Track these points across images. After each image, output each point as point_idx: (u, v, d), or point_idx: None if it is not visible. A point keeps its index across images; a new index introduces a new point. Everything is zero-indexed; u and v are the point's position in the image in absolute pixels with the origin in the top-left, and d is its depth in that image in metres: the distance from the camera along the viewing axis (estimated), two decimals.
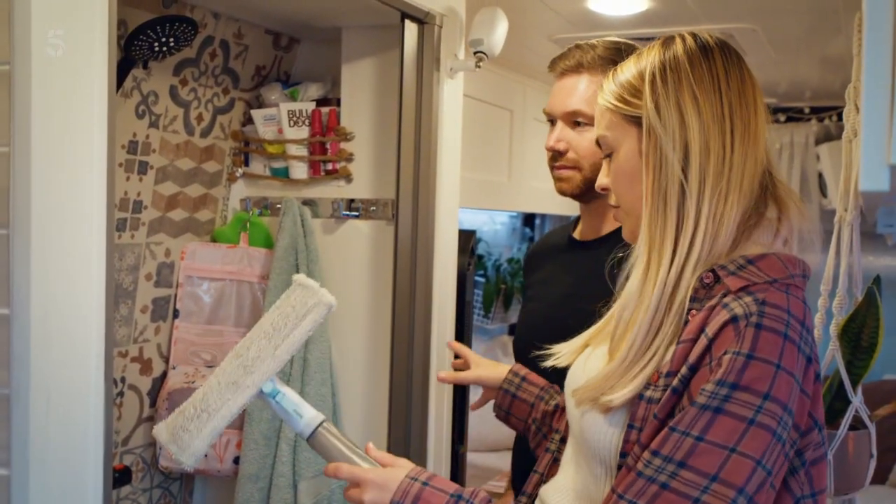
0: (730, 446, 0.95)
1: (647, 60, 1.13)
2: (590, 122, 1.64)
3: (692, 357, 1.02)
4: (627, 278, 1.13)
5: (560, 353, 1.28)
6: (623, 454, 1.06)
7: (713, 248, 1.07)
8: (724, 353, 0.98)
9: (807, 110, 4.07)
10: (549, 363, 1.29)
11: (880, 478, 3.57)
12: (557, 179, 1.70)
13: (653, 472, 0.98)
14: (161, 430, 1.18)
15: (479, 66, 2.09)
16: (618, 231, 1.68)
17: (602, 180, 1.21)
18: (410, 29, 2.05)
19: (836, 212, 1.62)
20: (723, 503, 0.95)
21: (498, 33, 2.08)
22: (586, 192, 1.67)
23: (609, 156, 1.17)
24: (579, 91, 1.65)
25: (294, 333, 1.18)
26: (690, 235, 1.07)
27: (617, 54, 1.63)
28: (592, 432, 1.11)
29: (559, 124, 1.67)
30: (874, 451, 1.60)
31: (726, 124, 1.08)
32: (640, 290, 1.09)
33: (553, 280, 1.77)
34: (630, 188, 1.13)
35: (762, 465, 0.96)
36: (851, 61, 1.58)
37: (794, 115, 4.09)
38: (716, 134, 1.07)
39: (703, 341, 1.01)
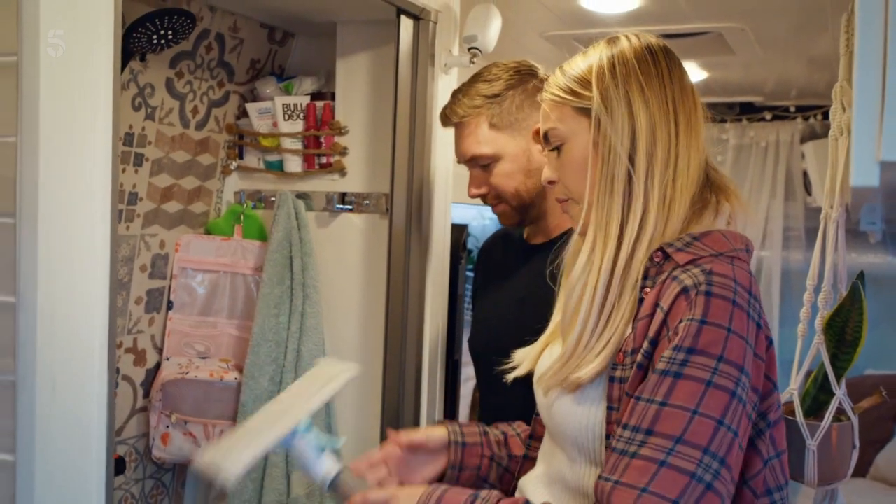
0: (692, 408, 0.99)
1: (595, 56, 1.19)
2: (489, 159, 1.70)
3: (651, 331, 1.06)
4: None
5: (520, 361, 1.31)
6: (608, 436, 1.09)
7: (666, 230, 1.13)
8: (680, 322, 1.02)
9: (792, 109, 4.11)
10: (512, 375, 1.31)
11: (861, 471, 3.63)
12: (497, 215, 1.76)
13: (624, 445, 1.02)
14: (204, 453, 1.22)
15: (473, 62, 2.12)
16: (569, 232, 1.72)
17: (548, 174, 1.24)
18: (406, 25, 2.07)
19: (822, 209, 1.65)
20: (689, 464, 0.97)
21: (492, 30, 2.11)
22: (525, 216, 1.74)
23: (556, 149, 1.21)
24: (467, 140, 1.71)
25: (323, 390, 1.32)
26: (640, 217, 1.13)
27: (485, 97, 1.70)
28: (564, 416, 1.14)
29: (470, 172, 1.74)
30: (857, 443, 1.63)
31: (671, 115, 1.15)
32: (585, 269, 1.14)
33: (507, 283, 1.80)
34: (582, 178, 1.17)
35: (724, 425, 0.99)
36: (838, 61, 1.61)
37: (779, 114, 4.14)
38: (662, 124, 1.13)
39: (658, 315, 1.06)
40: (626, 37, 1.20)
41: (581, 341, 1.12)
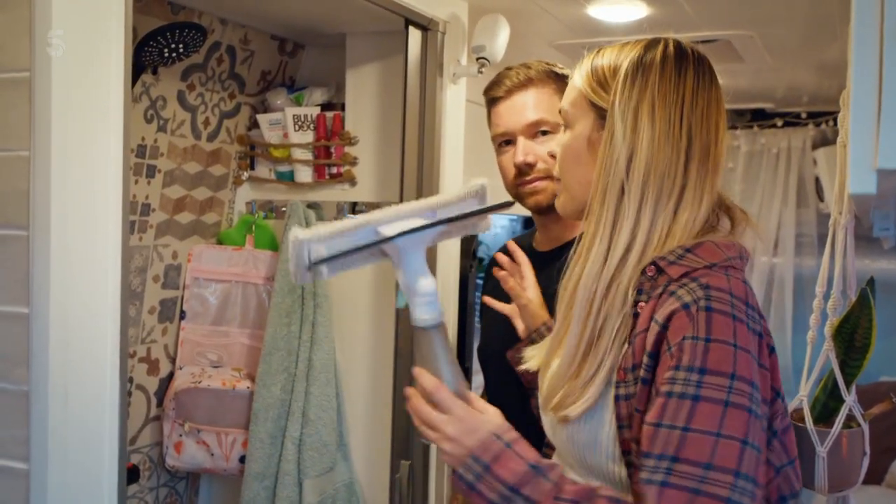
0: (715, 431, 0.97)
1: (625, 56, 1.14)
2: (553, 129, 1.67)
3: (648, 345, 1.03)
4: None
5: (530, 357, 1.30)
6: (626, 452, 1.07)
7: (662, 252, 1.08)
8: (683, 340, 1.00)
9: (804, 115, 4.10)
10: (522, 366, 1.30)
11: (876, 478, 3.60)
12: (531, 194, 1.70)
13: (649, 474, 0.99)
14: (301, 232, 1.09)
15: (481, 72, 2.13)
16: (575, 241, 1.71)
17: (552, 148, 1.26)
18: (414, 35, 2.09)
19: (831, 215, 1.65)
20: (722, 489, 0.95)
21: (500, 39, 2.12)
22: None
23: (565, 128, 1.21)
24: (535, 102, 1.68)
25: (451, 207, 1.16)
26: (627, 240, 1.08)
27: (552, 73, 1.69)
28: (570, 435, 1.12)
29: (520, 140, 1.68)
30: (867, 449, 1.62)
31: (682, 142, 1.08)
32: (573, 287, 1.11)
33: None
34: (573, 166, 1.17)
35: (748, 444, 0.98)
36: (847, 67, 1.62)
37: (791, 121, 4.13)
38: (667, 150, 1.08)
39: (654, 328, 1.03)
40: (666, 43, 1.14)
41: (570, 369, 1.09)
